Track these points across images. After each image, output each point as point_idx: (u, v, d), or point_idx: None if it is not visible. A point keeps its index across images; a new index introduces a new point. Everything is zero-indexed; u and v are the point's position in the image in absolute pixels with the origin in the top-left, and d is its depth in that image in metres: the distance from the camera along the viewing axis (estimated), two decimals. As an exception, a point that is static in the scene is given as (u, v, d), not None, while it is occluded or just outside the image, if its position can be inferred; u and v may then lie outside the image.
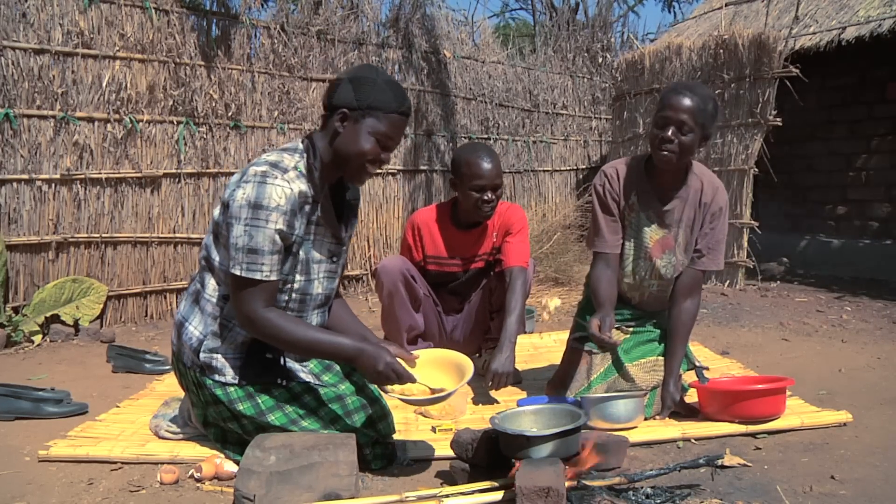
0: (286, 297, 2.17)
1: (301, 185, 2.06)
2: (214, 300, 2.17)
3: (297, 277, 2.15)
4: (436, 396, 2.12)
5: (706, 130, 2.53)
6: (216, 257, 2.16)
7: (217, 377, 2.17)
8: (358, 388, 2.28)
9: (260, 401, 2.17)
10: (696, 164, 2.71)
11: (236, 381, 2.17)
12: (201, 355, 2.17)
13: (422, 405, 2.32)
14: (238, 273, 2.02)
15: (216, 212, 2.16)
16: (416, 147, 6.62)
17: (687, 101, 2.48)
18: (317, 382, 2.24)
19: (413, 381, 2.08)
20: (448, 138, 6.87)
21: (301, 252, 2.13)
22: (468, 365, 2.20)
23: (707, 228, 2.69)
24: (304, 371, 2.25)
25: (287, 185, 2.02)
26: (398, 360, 2.09)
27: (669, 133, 2.50)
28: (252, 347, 2.19)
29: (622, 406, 2.48)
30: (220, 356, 2.17)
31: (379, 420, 2.23)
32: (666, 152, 2.52)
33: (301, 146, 2.15)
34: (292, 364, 2.24)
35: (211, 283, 2.18)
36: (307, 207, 2.10)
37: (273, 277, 2.05)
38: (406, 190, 6.52)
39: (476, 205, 3.05)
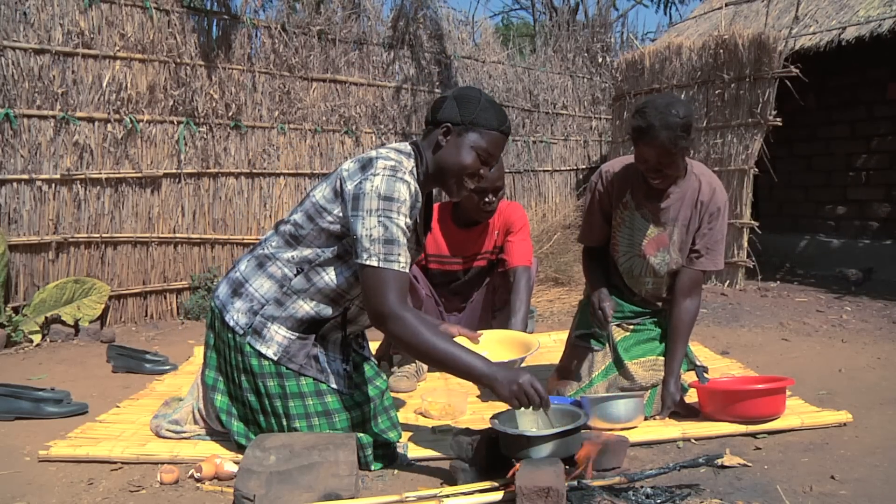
0: (351, 296, 2.19)
1: (417, 187, 2.11)
2: (286, 270, 2.18)
3: None
4: (506, 362, 2.19)
5: (686, 145, 2.50)
6: (307, 231, 2.16)
7: (259, 346, 2.18)
8: (378, 392, 2.28)
9: (287, 384, 2.18)
10: (695, 164, 2.70)
11: (276, 359, 2.17)
12: (256, 318, 2.18)
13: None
14: (375, 264, 1.99)
15: (319, 195, 2.16)
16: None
17: (658, 144, 2.44)
18: (344, 389, 2.24)
19: (548, 405, 2.01)
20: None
21: None
22: (533, 340, 2.31)
23: (706, 228, 2.68)
24: (338, 374, 2.25)
25: (412, 182, 2.07)
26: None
27: (653, 174, 2.54)
28: (308, 328, 2.20)
29: (622, 406, 2.48)
30: (273, 326, 2.18)
31: (389, 430, 2.25)
32: (656, 181, 2.57)
33: (412, 151, 2.19)
34: (336, 365, 2.24)
35: (287, 254, 2.19)
36: (415, 210, 2.13)
37: (406, 270, 2.03)
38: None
39: (477, 206, 3.06)
